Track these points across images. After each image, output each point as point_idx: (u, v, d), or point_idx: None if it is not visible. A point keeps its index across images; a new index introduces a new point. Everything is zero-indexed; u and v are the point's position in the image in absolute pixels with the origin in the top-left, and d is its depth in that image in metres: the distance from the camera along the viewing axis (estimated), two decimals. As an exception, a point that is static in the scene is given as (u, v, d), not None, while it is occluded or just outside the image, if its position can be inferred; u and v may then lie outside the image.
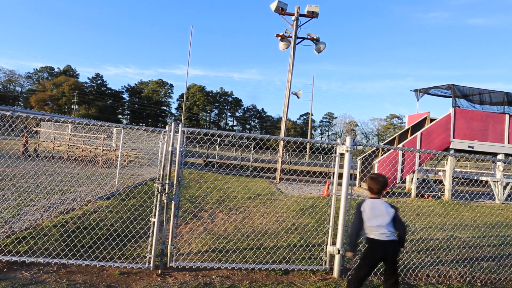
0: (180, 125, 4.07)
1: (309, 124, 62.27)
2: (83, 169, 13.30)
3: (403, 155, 13.23)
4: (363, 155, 15.69)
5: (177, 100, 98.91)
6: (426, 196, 13.21)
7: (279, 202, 9.41)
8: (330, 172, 4.48)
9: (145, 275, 3.82)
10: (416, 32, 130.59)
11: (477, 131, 13.72)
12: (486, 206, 11.62)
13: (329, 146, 4.62)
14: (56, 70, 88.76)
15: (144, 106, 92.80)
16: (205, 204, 8.11)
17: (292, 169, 19.89)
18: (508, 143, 13.91)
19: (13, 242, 4.34)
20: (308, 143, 50.15)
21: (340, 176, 4.27)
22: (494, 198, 13.92)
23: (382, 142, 37.07)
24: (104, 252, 4.36)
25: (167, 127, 4.14)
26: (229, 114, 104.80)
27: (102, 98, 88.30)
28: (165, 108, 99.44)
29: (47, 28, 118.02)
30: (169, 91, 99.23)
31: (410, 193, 13.68)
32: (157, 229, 4.00)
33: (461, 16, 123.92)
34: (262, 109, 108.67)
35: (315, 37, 16.81)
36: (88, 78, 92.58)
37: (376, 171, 13.17)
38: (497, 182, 13.64)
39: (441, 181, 18.02)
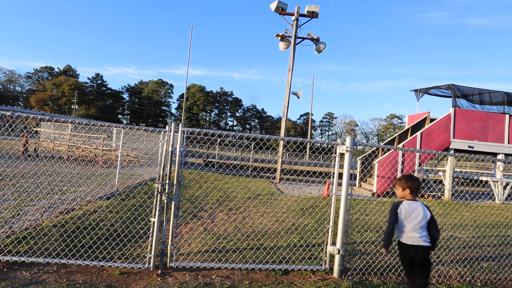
0: (180, 125, 4.07)
1: (309, 124, 62.26)
2: (83, 169, 13.30)
3: (403, 155, 13.23)
4: (363, 155, 15.68)
5: (177, 100, 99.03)
6: (426, 196, 13.21)
7: (279, 202, 9.41)
8: (330, 172, 4.48)
9: (145, 275, 3.82)
10: (416, 32, 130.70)
11: (477, 131, 13.72)
12: (486, 206, 11.62)
13: (329, 146, 4.62)
14: (56, 70, 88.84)
15: (144, 106, 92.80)
16: (205, 204, 8.11)
17: (292, 169, 19.89)
18: (508, 143, 13.91)
19: (13, 242, 4.34)
20: (308, 143, 50.15)
21: (340, 176, 4.27)
22: (494, 198, 13.92)
23: (382, 142, 37.08)
24: (104, 252, 4.36)
25: (167, 127, 4.14)
26: (229, 114, 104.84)
27: (102, 98, 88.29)
28: (165, 108, 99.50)
29: (47, 28, 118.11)
30: (169, 91, 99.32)
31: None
32: (157, 229, 4.00)
33: (461, 16, 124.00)
34: (262, 109, 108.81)
35: (315, 37, 16.82)
36: (88, 78, 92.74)
37: (376, 171, 13.17)
38: (497, 182, 13.64)
39: (441, 181, 18.02)
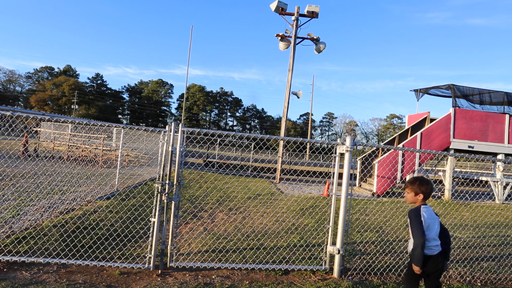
0: (180, 125, 4.07)
1: (309, 124, 62.26)
2: (83, 169, 13.30)
3: (403, 155, 13.23)
4: (363, 155, 15.69)
5: (177, 100, 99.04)
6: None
7: (279, 202, 9.41)
8: (330, 172, 4.48)
9: (145, 275, 3.82)
10: (416, 32, 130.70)
11: (477, 131, 13.72)
12: (486, 206, 11.62)
13: (329, 146, 4.62)
14: (56, 70, 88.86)
15: (144, 106, 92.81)
16: (205, 204, 8.11)
17: (292, 169, 19.88)
18: (508, 143, 13.91)
19: (13, 242, 4.34)
20: (308, 143, 50.15)
21: (340, 176, 4.27)
22: (494, 198, 13.92)
23: (382, 142, 37.07)
24: (104, 252, 4.36)
25: (167, 127, 4.14)
26: (229, 114, 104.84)
27: (102, 98, 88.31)
28: (165, 108, 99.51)
29: (47, 28, 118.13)
30: (169, 91, 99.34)
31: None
32: (157, 229, 4.00)
33: (461, 16, 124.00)
34: (262, 109, 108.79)
35: (315, 37, 16.82)
36: (88, 78, 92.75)
37: (376, 171, 13.17)
38: (497, 182, 13.64)
39: (441, 181, 18.02)
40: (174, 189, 4.08)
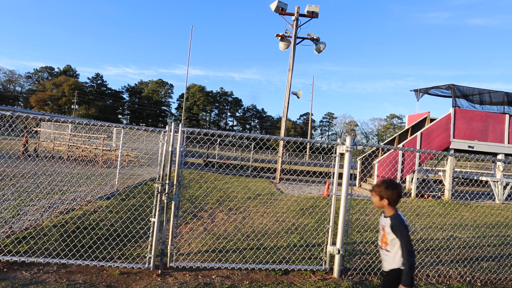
0: (180, 125, 4.07)
1: (309, 124, 62.26)
2: (83, 169, 13.30)
3: (403, 155, 13.23)
4: (363, 155, 15.69)
5: (177, 100, 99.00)
6: (426, 196, 13.21)
7: (279, 202, 9.41)
8: (330, 172, 4.48)
9: (145, 275, 3.82)
10: (416, 32, 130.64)
11: (477, 131, 13.72)
12: (486, 206, 11.62)
13: (329, 146, 4.62)
14: (56, 70, 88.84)
15: (144, 106, 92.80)
16: (205, 204, 8.11)
17: (292, 169, 19.89)
18: (508, 143, 13.91)
19: (13, 242, 4.34)
20: (308, 143, 50.16)
21: (340, 176, 4.27)
22: (494, 198, 13.92)
23: (382, 142, 37.08)
24: (104, 252, 4.36)
25: (167, 127, 4.14)
26: (229, 114, 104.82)
27: (102, 98, 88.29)
28: (165, 108, 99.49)
29: (47, 28, 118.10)
30: (169, 91, 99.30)
31: (410, 193, 13.68)
32: (157, 229, 4.00)
33: (461, 16, 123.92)
34: (262, 109, 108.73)
35: (315, 37, 16.82)
36: (88, 78, 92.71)
37: (376, 171, 13.17)
38: (497, 182, 13.64)
39: (441, 181, 18.02)
40: (174, 189, 4.08)
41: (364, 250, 5.43)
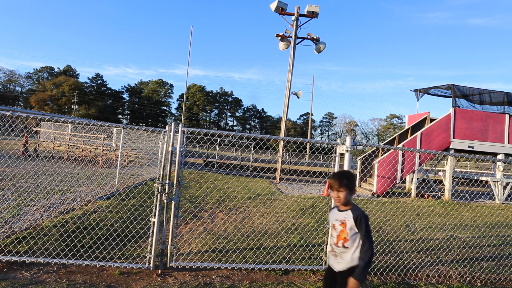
0: (180, 125, 4.07)
1: (309, 124, 62.25)
2: (83, 169, 13.30)
3: (403, 155, 13.23)
4: (363, 155, 15.69)
5: (177, 100, 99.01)
6: (426, 196, 13.21)
7: (279, 202, 9.41)
8: (330, 172, 4.48)
9: (145, 275, 3.82)
10: (417, 32, 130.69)
11: (477, 131, 13.72)
12: (486, 206, 11.62)
13: (329, 146, 4.62)
14: (56, 70, 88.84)
15: (144, 106, 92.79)
16: (205, 204, 8.11)
17: (292, 169, 19.88)
18: (508, 143, 13.91)
19: (13, 242, 4.34)
20: (308, 143, 50.15)
21: (340, 176, 4.26)
22: (494, 198, 13.92)
23: (382, 142, 37.07)
24: (104, 252, 4.36)
25: (167, 127, 4.14)
26: (229, 114, 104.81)
27: (102, 98, 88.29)
28: (165, 108, 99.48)
29: (47, 28, 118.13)
30: (169, 91, 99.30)
31: (410, 193, 13.68)
32: (157, 229, 4.00)
33: (461, 16, 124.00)
34: (262, 109, 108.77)
35: (315, 37, 16.81)
36: (88, 78, 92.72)
37: (376, 171, 13.17)
38: (497, 182, 13.64)
39: (441, 181, 18.02)
40: (174, 189, 4.08)
41: (364, 250, 5.42)
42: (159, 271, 3.92)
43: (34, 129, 21.14)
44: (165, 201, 4.00)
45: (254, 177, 16.93)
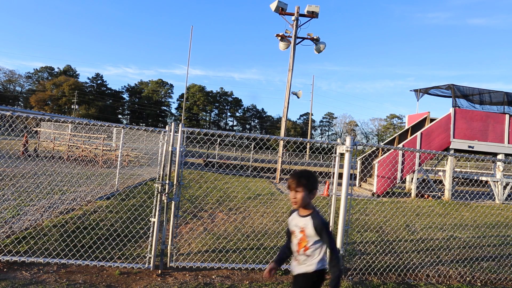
0: (180, 125, 4.07)
1: (309, 124, 62.26)
2: (83, 169, 13.30)
3: (403, 155, 13.23)
4: (363, 155, 15.69)
5: (177, 100, 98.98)
6: (426, 196, 13.21)
7: (279, 202, 9.41)
8: (330, 172, 4.48)
9: (145, 275, 3.82)
10: (417, 32, 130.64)
11: (477, 131, 13.72)
12: (486, 206, 11.62)
13: (329, 146, 4.62)
14: (56, 70, 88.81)
15: (144, 106, 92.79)
16: (205, 204, 8.11)
17: (292, 169, 19.88)
18: (508, 143, 13.91)
19: (13, 242, 4.34)
20: (308, 143, 50.16)
21: (340, 176, 4.27)
22: (494, 198, 13.92)
23: (382, 142, 37.09)
24: (104, 252, 4.36)
25: (167, 127, 4.14)
26: (229, 114, 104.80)
27: (102, 98, 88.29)
28: (165, 108, 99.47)
29: (47, 28, 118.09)
30: (169, 91, 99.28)
31: (410, 193, 13.68)
32: (157, 229, 4.00)
33: (461, 16, 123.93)
34: (262, 109, 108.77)
35: (315, 37, 16.81)
36: (88, 78, 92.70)
37: (376, 171, 13.18)
38: (497, 182, 13.64)
39: (441, 181, 18.02)
40: (174, 189, 4.08)
41: (364, 250, 5.43)
42: (159, 271, 3.92)
43: (34, 129, 21.15)
44: (165, 201, 4.00)
45: (254, 177, 16.93)
